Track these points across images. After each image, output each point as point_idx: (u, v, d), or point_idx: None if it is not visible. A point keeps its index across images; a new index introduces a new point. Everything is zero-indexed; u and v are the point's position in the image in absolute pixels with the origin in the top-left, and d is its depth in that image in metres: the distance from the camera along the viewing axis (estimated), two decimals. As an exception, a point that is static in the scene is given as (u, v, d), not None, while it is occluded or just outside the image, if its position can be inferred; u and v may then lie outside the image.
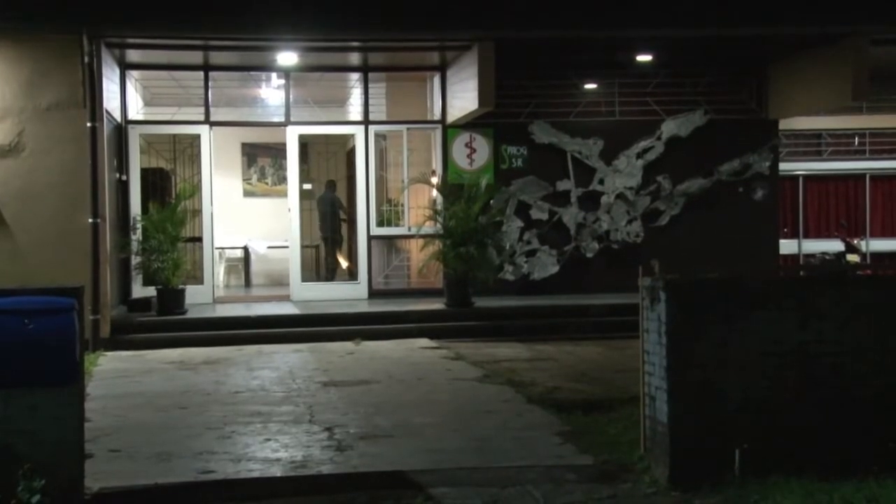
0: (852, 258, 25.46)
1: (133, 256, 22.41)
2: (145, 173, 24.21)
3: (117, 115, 22.48)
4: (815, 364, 10.24)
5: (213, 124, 24.53)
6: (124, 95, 23.35)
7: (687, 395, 10.03)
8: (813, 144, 27.24)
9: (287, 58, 23.39)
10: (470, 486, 10.06)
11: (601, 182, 24.93)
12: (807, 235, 26.81)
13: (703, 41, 23.71)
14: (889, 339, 10.48)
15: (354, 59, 24.45)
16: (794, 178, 26.89)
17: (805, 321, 10.41)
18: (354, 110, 25.06)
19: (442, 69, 24.21)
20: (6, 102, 20.03)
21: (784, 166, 26.17)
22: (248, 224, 27.25)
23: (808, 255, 26.16)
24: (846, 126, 27.06)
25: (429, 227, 23.85)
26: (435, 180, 24.43)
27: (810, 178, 27.34)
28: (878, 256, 26.38)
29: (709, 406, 10.01)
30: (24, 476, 8.80)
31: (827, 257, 25.47)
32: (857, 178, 27.83)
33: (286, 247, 25.70)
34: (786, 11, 22.22)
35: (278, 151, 25.96)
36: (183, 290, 22.20)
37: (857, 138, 27.59)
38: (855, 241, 26.54)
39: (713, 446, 9.83)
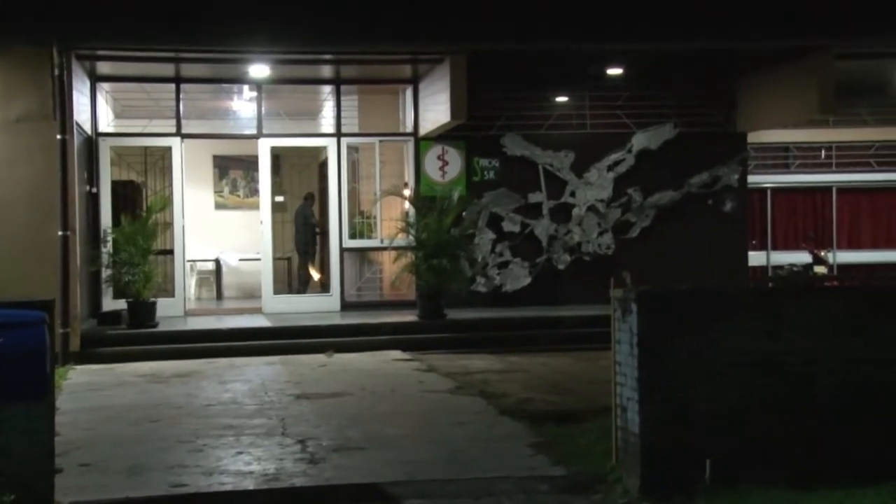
0: (820, 270, 25.62)
1: (103, 269, 22.31)
2: (116, 186, 24.21)
3: (88, 128, 22.47)
4: (784, 374, 10.29)
5: (184, 136, 24.50)
6: (95, 107, 23.34)
7: (658, 406, 10.07)
8: (781, 157, 27.40)
9: (259, 70, 23.42)
10: (443, 497, 10.10)
11: (572, 194, 25.00)
12: (775, 247, 26.95)
13: (673, 55, 23.84)
14: (855, 350, 10.54)
15: (327, 71, 24.53)
16: (763, 190, 27.04)
17: (774, 332, 10.47)
18: (327, 122, 25.11)
19: (414, 82, 24.28)
20: None
21: (752, 179, 26.31)
22: (219, 236, 27.27)
23: (776, 267, 26.30)
24: (813, 139, 27.26)
25: (401, 240, 23.81)
26: (407, 192, 24.48)
27: (778, 191, 27.50)
28: (845, 268, 26.54)
29: (680, 416, 10.05)
30: (-4, 490, 8.82)
31: (795, 269, 25.62)
32: (824, 190, 27.99)
33: (258, 259, 25.69)
34: (753, 27, 22.35)
35: (250, 164, 26.00)
36: (154, 303, 22.13)
37: (823, 151, 27.83)
38: (822, 253, 26.70)
39: (684, 456, 9.87)
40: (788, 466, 9.65)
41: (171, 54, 22.79)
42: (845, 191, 28.05)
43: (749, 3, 23.02)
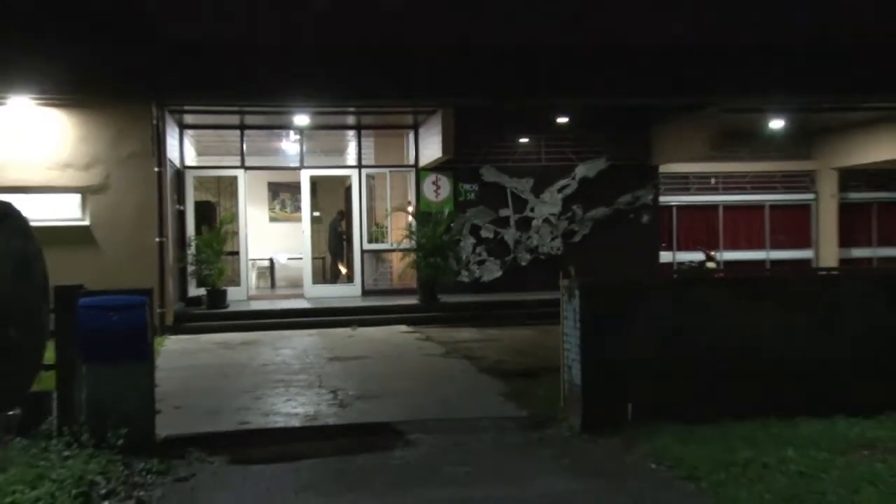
0: (710, 265, 25.64)
1: (188, 266, 22.39)
2: (197, 205, 24.10)
3: (177, 162, 22.44)
4: (684, 341, 10.35)
5: (246, 168, 24.41)
6: (182, 148, 23.33)
7: (594, 365, 10.14)
8: (682, 183, 27.38)
9: (301, 119, 23.38)
10: (437, 433, 10.12)
11: (532, 210, 25.01)
12: (679, 249, 26.94)
13: (604, 108, 23.94)
14: (734, 322, 10.62)
15: (350, 120, 24.48)
16: (670, 207, 26.99)
17: (677, 310, 10.57)
18: (351, 158, 25.00)
19: (415, 128, 24.23)
20: (98, 153, 20.02)
21: (663, 199, 26.30)
22: (272, 242, 27.23)
23: (679, 263, 26.32)
24: (705, 170, 27.24)
25: (406, 244, 23.79)
26: (410, 209, 24.36)
27: (681, 208, 27.46)
28: (729, 263, 26.59)
29: (609, 373, 10.13)
30: (112, 425, 8.90)
31: (693, 264, 25.65)
32: (713, 207, 27.98)
33: (300, 258, 25.65)
34: (661, 87, 22.46)
35: (295, 188, 25.93)
36: (225, 291, 22.24)
37: (713, 179, 27.79)
38: (712, 253, 26.72)
39: (613, 402, 9.98)
40: (686, 408, 9.70)
41: (237, 109, 22.88)
42: (728, 207, 28.04)
43: (660, 72, 23.13)
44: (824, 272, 23.08)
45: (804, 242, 28.45)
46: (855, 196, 28.76)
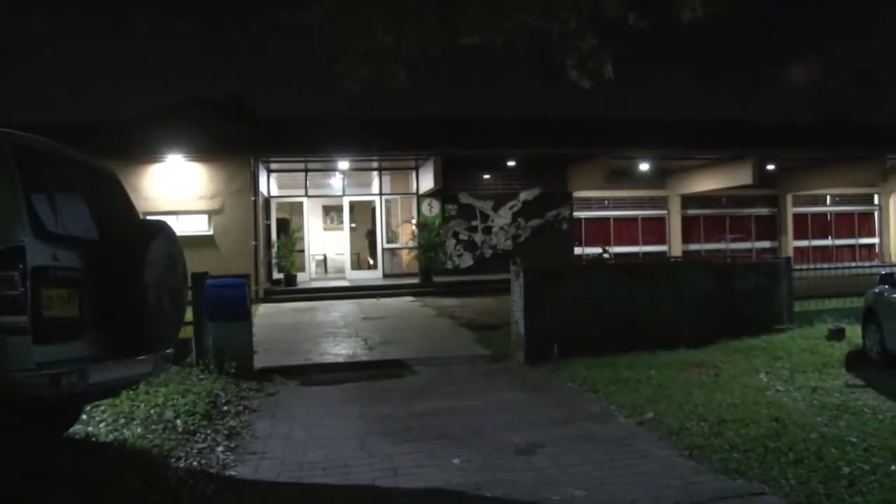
0: (605, 256, 25.69)
1: (272, 259, 22.32)
2: (278, 221, 24.08)
3: (265, 193, 22.39)
4: (590, 305, 10.41)
5: (309, 196, 24.43)
6: (269, 184, 23.23)
7: (532, 321, 10.20)
8: (587, 203, 27.35)
9: (343, 164, 23.26)
10: (431, 365, 10.19)
11: (492, 221, 24.88)
12: (586, 245, 26.90)
13: (538, 155, 23.91)
14: (621, 293, 10.68)
15: (374, 164, 24.39)
16: (580, 219, 26.93)
17: (584, 285, 10.63)
18: (374, 188, 24.88)
19: (416, 168, 24.12)
20: (218, 189, 20.39)
21: (576, 213, 26.18)
22: (325, 243, 27.09)
23: (586, 255, 26.31)
24: (601, 195, 27.22)
25: (411, 244, 23.81)
26: (413, 221, 24.29)
27: (587, 219, 27.42)
28: (617, 255, 26.54)
29: (542, 325, 10.17)
30: (227, 360, 8.97)
31: (594, 256, 25.69)
32: (607, 219, 28.00)
33: (343, 253, 25.66)
34: (575, 143, 22.56)
35: (339, 209, 25.81)
36: (295, 275, 22.11)
37: (606, 200, 27.79)
38: (607, 248, 26.75)
39: (544, 344, 9.98)
40: (591, 347, 9.70)
41: (302, 159, 22.84)
42: (616, 219, 28.05)
43: (574, 135, 23.22)
44: (673, 259, 23.28)
45: (662, 241, 28.46)
46: (691, 211, 28.80)
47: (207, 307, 9.30)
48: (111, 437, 6.15)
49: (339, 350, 11.64)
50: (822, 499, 4.66)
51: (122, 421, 6.56)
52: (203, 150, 20.58)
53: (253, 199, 20.37)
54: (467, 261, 24.74)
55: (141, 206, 18.30)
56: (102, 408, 6.83)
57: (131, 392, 7.17)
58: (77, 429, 6.26)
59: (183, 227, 18.72)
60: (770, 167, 25.81)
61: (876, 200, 30.52)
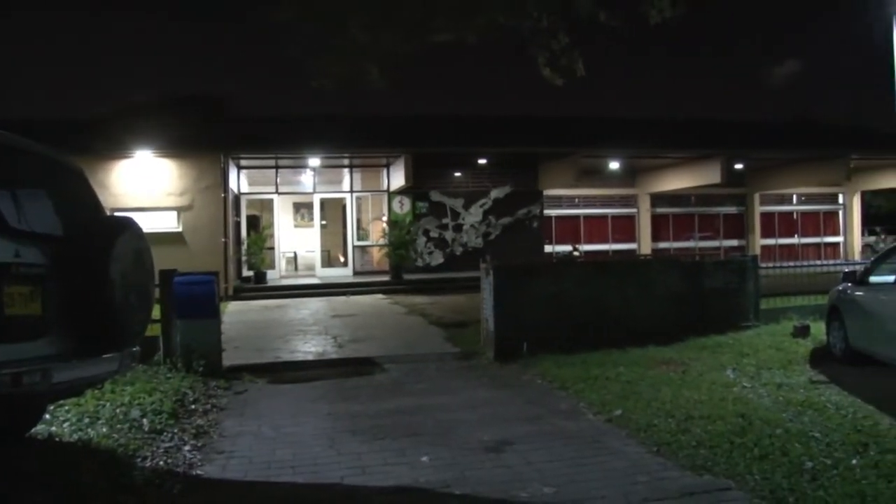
0: (575, 254, 25.83)
1: (242, 256, 22.14)
2: (248, 217, 23.90)
3: (235, 190, 22.24)
4: (560, 302, 10.44)
5: (279, 193, 24.31)
6: (239, 181, 23.06)
7: (502, 318, 10.21)
8: (558, 201, 27.51)
9: (314, 161, 23.21)
10: (401, 363, 10.16)
11: (463, 219, 24.93)
12: (556, 243, 27.08)
13: (510, 154, 24.02)
14: (591, 290, 10.73)
15: (346, 161, 24.30)
16: (551, 217, 27.12)
17: (554, 283, 10.65)
18: (346, 185, 24.78)
19: (388, 165, 24.10)
20: (187, 186, 20.33)
21: (546, 211, 26.34)
22: (296, 240, 26.95)
23: (556, 252, 26.44)
24: (572, 193, 27.40)
25: (382, 241, 23.71)
26: (384, 219, 24.29)
27: (557, 217, 27.63)
28: (587, 252, 26.72)
29: (512, 323, 10.18)
30: (195, 358, 8.89)
31: (564, 254, 25.81)
32: (577, 217, 28.19)
33: (313, 251, 25.51)
34: (546, 142, 22.63)
35: (310, 206, 25.72)
36: (265, 273, 22.03)
37: (577, 199, 27.98)
38: (577, 246, 26.89)
39: (514, 341, 10.00)
40: (561, 345, 9.73)
41: (272, 156, 22.83)
42: (586, 217, 28.30)
43: (546, 133, 23.30)
44: (642, 257, 23.43)
45: (631, 238, 28.72)
46: (660, 210, 29.11)
47: (176, 304, 9.20)
48: (75, 436, 6.06)
49: (308, 348, 11.57)
50: (785, 493, 4.71)
51: (86, 420, 6.46)
52: (172, 146, 20.42)
53: (223, 195, 20.25)
54: (438, 258, 24.75)
55: (109, 202, 18.15)
56: (66, 407, 6.73)
57: (96, 391, 7.08)
58: (40, 429, 6.16)
59: (151, 223, 18.37)
60: (738, 166, 26.14)
61: (840, 200, 31.02)
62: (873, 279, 8.90)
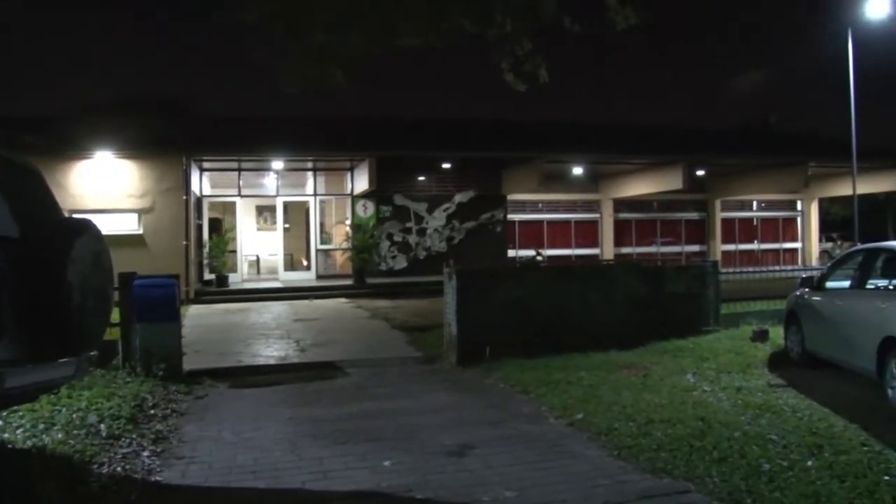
0: (539, 258, 25.96)
1: (204, 260, 21.94)
2: (210, 220, 23.74)
3: (197, 192, 22.01)
4: (523, 307, 10.47)
5: (242, 196, 24.11)
6: (201, 183, 22.83)
7: (464, 322, 10.22)
8: (521, 206, 27.52)
9: (277, 164, 23.10)
10: (364, 367, 10.16)
11: (426, 223, 24.95)
12: (519, 248, 27.15)
13: (473, 158, 24.11)
14: (553, 294, 10.78)
15: (309, 164, 24.17)
16: (514, 221, 27.17)
17: (517, 287, 10.68)
18: (309, 189, 24.68)
19: (352, 169, 24.02)
20: (148, 187, 20.11)
21: (510, 216, 26.44)
22: (258, 244, 26.76)
23: (520, 257, 26.54)
24: (535, 198, 27.44)
25: (345, 245, 23.66)
26: (348, 222, 24.21)
27: (521, 222, 27.67)
28: (550, 257, 26.87)
29: (475, 327, 10.20)
30: (155, 362, 8.79)
31: (527, 258, 25.92)
32: (540, 222, 28.26)
33: (276, 254, 25.31)
34: (509, 146, 22.71)
35: (273, 209, 25.56)
36: (227, 276, 21.80)
37: (540, 204, 28.04)
38: (540, 251, 27.01)
39: (476, 346, 10.02)
40: (524, 349, 9.79)
41: (235, 158, 22.62)
42: (549, 222, 28.35)
43: (508, 138, 23.42)
44: (605, 262, 23.64)
45: (594, 244, 28.88)
46: (623, 215, 29.33)
47: (135, 308, 9.10)
48: (29, 443, 5.93)
49: (270, 352, 11.50)
50: (743, 495, 4.78)
51: (41, 426, 6.33)
52: (133, 147, 20.22)
53: (184, 197, 20.04)
54: (401, 262, 24.73)
55: (67, 203, 17.90)
56: (20, 413, 6.59)
57: (52, 396, 6.94)
58: (-8, 435, 6.05)
59: (111, 225, 18.15)
60: (700, 173, 26.50)
61: (799, 206, 31.56)
62: (829, 284, 9.08)
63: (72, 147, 19.56)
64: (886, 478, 4.95)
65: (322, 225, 24.87)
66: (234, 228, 23.98)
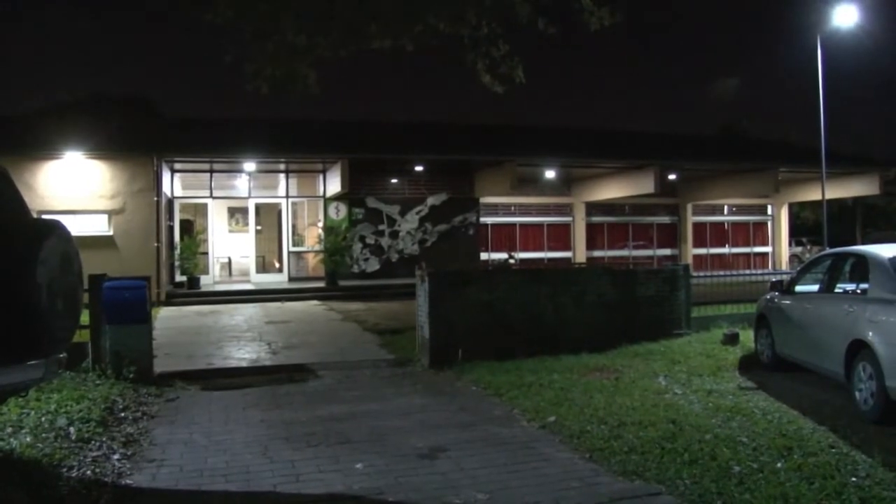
0: (511, 262, 26.05)
1: (175, 261, 21.74)
2: (181, 222, 23.54)
3: (168, 194, 21.82)
4: (494, 310, 10.50)
5: (214, 198, 23.98)
6: (172, 184, 22.65)
7: (436, 325, 10.22)
8: (494, 209, 27.56)
9: (249, 166, 22.95)
10: (336, 370, 10.12)
11: (399, 226, 24.89)
12: (492, 250, 27.20)
13: (446, 161, 24.12)
14: (525, 297, 10.81)
15: (282, 167, 24.07)
16: (486, 224, 27.21)
17: (489, 290, 10.70)
18: (281, 190, 24.58)
19: (324, 171, 23.93)
20: (119, 188, 19.81)
21: (482, 219, 26.49)
22: (230, 245, 26.56)
23: (492, 260, 26.59)
24: (508, 201, 27.48)
25: (317, 247, 23.61)
26: (320, 224, 24.12)
27: (493, 225, 27.69)
28: (523, 260, 26.99)
29: (446, 330, 10.20)
30: (125, 365, 8.74)
31: (500, 261, 25.99)
32: (513, 225, 28.32)
33: (248, 256, 25.17)
34: (482, 149, 22.75)
35: (245, 211, 25.40)
36: (199, 278, 21.66)
37: (512, 207, 28.09)
38: (512, 254, 27.10)
39: (449, 349, 10.05)
40: (496, 352, 9.85)
41: (207, 160, 22.42)
42: (522, 225, 28.41)
43: (481, 141, 23.47)
44: (577, 265, 23.76)
45: (566, 247, 29.03)
46: (595, 219, 29.50)
47: (105, 310, 9.02)
48: (-3, 446, 5.88)
49: (242, 354, 11.43)
50: (714, 497, 4.84)
51: (8, 430, 6.26)
52: (104, 148, 20.02)
53: (155, 199, 19.87)
54: (374, 265, 24.68)
55: (36, 204, 17.69)
56: (-12, 415, 6.53)
57: (20, 399, 6.86)
58: (-41, 438, 5.97)
59: (81, 226, 18.08)
60: (671, 177, 26.73)
61: (769, 211, 31.95)
62: (799, 288, 9.21)
63: (40, 146, 19.32)
64: (854, 479, 5.04)
65: (294, 227, 24.77)
66: (205, 230, 23.83)
